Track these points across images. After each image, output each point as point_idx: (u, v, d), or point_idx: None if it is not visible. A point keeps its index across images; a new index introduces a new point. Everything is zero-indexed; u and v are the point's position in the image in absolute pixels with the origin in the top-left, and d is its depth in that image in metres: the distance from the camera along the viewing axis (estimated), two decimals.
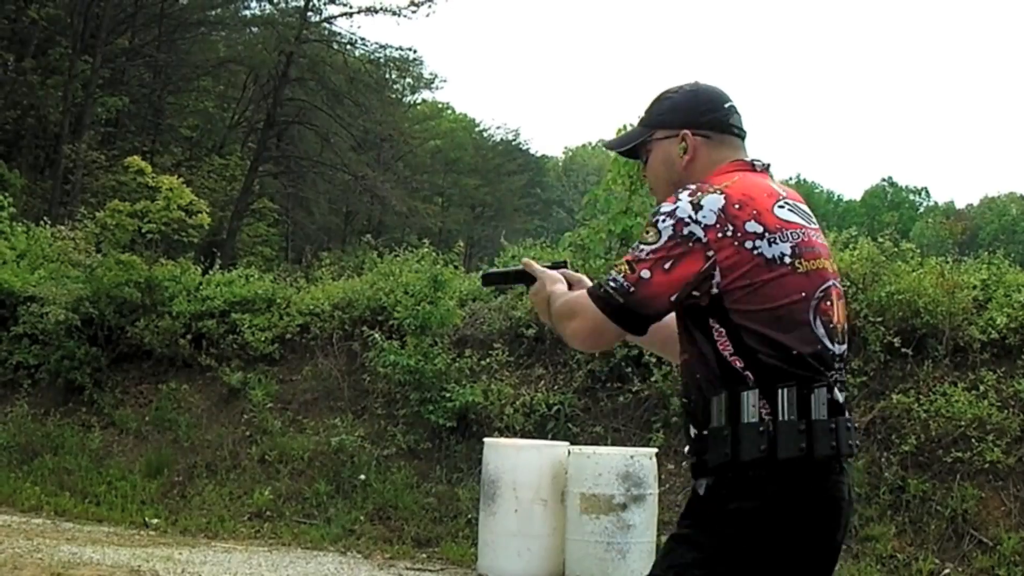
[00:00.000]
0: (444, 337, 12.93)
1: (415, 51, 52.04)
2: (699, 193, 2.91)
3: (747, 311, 2.86)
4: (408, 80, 44.57)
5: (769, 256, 2.86)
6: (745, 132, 3.25)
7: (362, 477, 12.09)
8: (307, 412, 13.42)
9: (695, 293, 2.86)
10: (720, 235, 2.83)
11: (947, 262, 11.71)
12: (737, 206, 2.88)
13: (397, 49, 38.63)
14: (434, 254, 14.45)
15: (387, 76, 40.99)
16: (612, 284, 2.92)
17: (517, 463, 9.71)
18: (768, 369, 2.86)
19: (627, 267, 2.91)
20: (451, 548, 10.81)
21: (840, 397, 2.97)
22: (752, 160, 3.16)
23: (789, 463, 2.83)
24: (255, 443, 13.12)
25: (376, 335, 12.85)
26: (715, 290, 2.85)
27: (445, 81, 70.60)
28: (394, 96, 43.29)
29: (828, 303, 2.97)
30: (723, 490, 2.90)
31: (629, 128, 3.45)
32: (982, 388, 10.21)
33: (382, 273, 14.48)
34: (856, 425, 3.05)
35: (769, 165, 3.18)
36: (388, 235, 34.39)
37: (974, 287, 11.20)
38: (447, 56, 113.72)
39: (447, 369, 12.38)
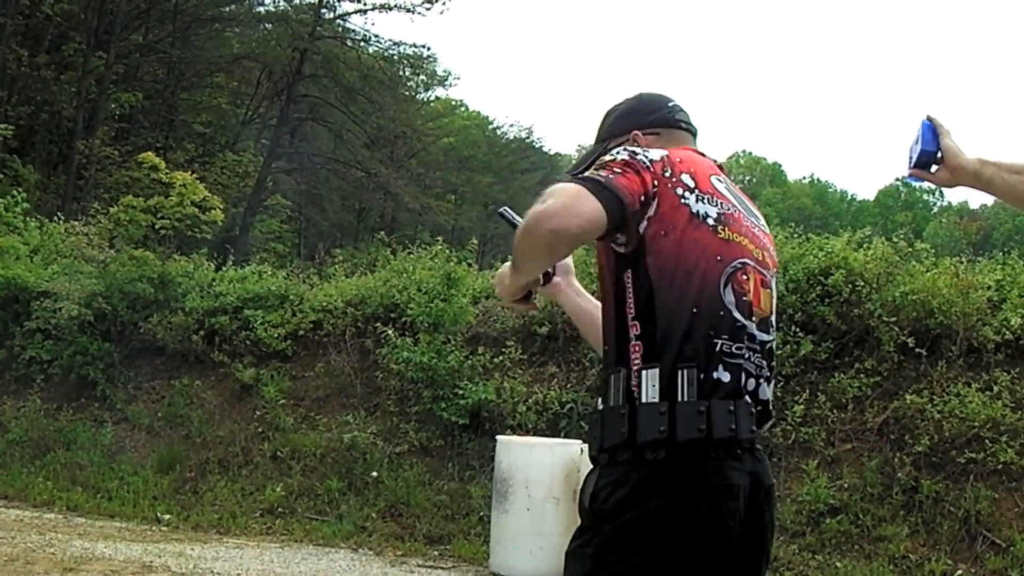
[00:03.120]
0: (457, 334, 12.93)
1: (429, 48, 52.12)
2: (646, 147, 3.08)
3: (666, 257, 2.90)
4: (421, 77, 44.57)
5: (694, 211, 2.95)
6: (695, 128, 3.37)
7: (374, 474, 12.09)
8: (319, 409, 13.42)
9: (647, 211, 2.89)
10: (662, 171, 2.94)
11: (961, 262, 11.67)
12: (678, 159, 3.01)
13: (411, 46, 38.69)
14: (447, 251, 14.43)
15: (400, 73, 40.98)
16: (590, 175, 2.90)
17: (530, 461, 9.70)
18: (652, 340, 2.88)
19: (594, 171, 2.91)
20: (463, 546, 10.80)
21: (744, 380, 2.95)
22: (702, 152, 3.26)
23: (650, 447, 2.83)
24: (267, 439, 13.13)
25: (389, 332, 12.86)
26: (644, 225, 2.91)
27: (458, 78, 70.57)
28: (407, 93, 43.28)
29: (745, 277, 2.99)
30: (598, 482, 2.91)
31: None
32: (996, 389, 10.18)
33: (395, 270, 14.48)
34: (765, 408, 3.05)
35: (721, 165, 3.28)
36: (401, 232, 34.41)
37: (988, 287, 11.17)
38: (461, 53, 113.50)
39: (460, 366, 12.38)
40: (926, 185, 3.37)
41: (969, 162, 3.17)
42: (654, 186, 2.91)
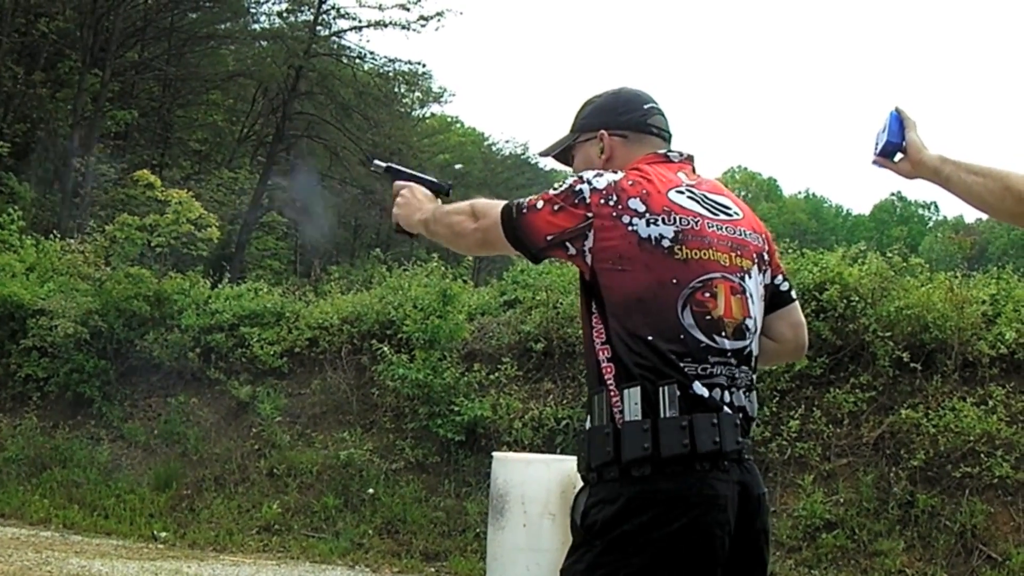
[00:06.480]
0: (453, 351, 12.93)
1: (424, 65, 51.88)
2: (607, 170, 3.16)
3: (616, 290, 2.98)
4: (417, 94, 44.39)
5: (643, 235, 2.99)
6: (668, 132, 3.41)
7: (371, 491, 12.09)
8: (316, 426, 13.42)
9: (571, 250, 3.06)
10: (602, 201, 3.02)
11: (956, 277, 11.67)
12: (630, 183, 3.06)
13: (406, 63, 38.56)
14: (443, 268, 14.42)
15: (396, 90, 40.91)
16: (520, 200, 3.18)
17: (526, 477, 9.68)
18: (623, 364, 2.95)
19: (536, 196, 3.15)
20: (459, 562, 10.81)
21: (722, 393, 2.99)
22: (667, 152, 3.30)
23: (636, 464, 2.88)
24: (264, 457, 13.12)
25: (385, 349, 12.84)
26: (589, 257, 3.02)
27: (454, 95, 70.46)
28: (403, 110, 43.23)
29: (708, 295, 3.03)
30: (588, 500, 2.98)
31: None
32: (991, 403, 10.19)
33: (391, 287, 14.48)
34: (746, 418, 3.11)
35: (691, 156, 3.33)
36: (397, 249, 34.31)
37: (983, 302, 11.18)
38: (456, 70, 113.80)
39: (456, 383, 12.38)
40: (889, 172, 3.44)
41: (930, 158, 3.27)
42: (586, 219, 3.02)
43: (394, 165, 3.98)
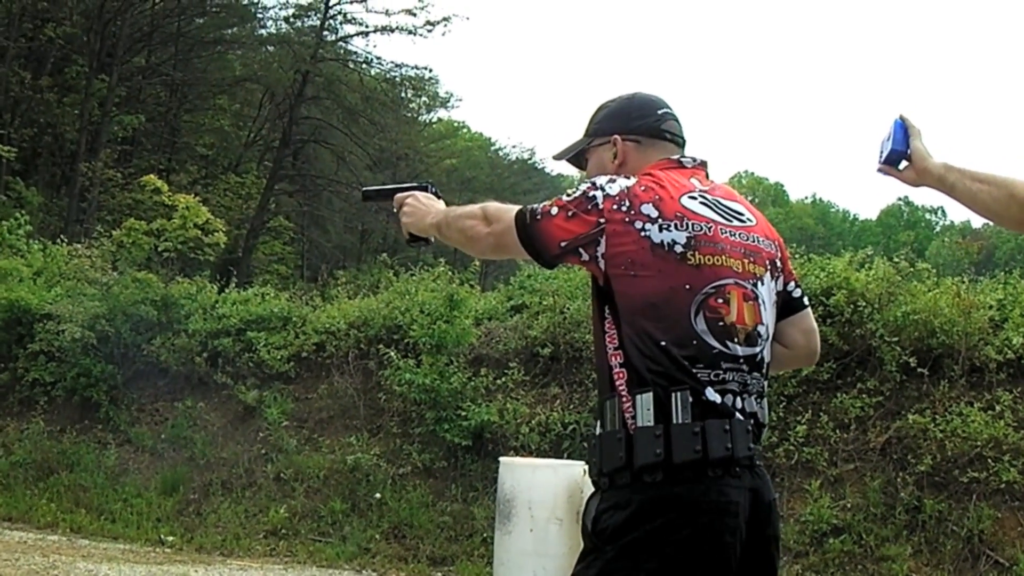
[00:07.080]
0: (460, 356, 12.92)
1: (431, 70, 51.89)
2: (620, 176, 3.14)
3: (629, 296, 2.98)
4: (424, 99, 44.37)
5: (656, 241, 2.98)
6: (682, 138, 3.40)
7: (377, 495, 12.08)
8: (323, 430, 13.41)
9: (584, 256, 3.05)
10: (615, 207, 3.01)
11: (963, 282, 11.63)
12: (643, 188, 3.05)
13: (413, 68, 38.58)
14: (450, 273, 14.39)
15: (403, 95, 40.91)
16: (534, 206, 3.18)
17: (533, 482, 9.67)
18: (635, 369, 2.95)
19: (550, 202, 3.15)
20: (466, 567, 10.79)
21: (734, 399, 2.99)
22: (680, 158, 3.30)
23: (648, 469, 2.88)
24: (270, 461, 13.11)
25: (392, 353, 12.83)
26: (602, 263, 3.01)
27: (461, 100, 70.50)
28: (410, 115, 43.24)
29: (721, 300, 3.02)
30: (600, 505, 2.97)
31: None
32: (998, 408, 10.17)
33: (398, 292, 14.46)
34: (760, 423, 3.11)
35: (704, 162, 3.33)
36: (404, 254, 34.29)
37: (990, 307, 11.16)
38: (463, 75, 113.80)
39: (463, 388, 12.37)
40: (894, 179, 3.43)
41: (935, 166, 3.27)
42: (598, 225, 3.01)
43: (367, 188, 4.13)
